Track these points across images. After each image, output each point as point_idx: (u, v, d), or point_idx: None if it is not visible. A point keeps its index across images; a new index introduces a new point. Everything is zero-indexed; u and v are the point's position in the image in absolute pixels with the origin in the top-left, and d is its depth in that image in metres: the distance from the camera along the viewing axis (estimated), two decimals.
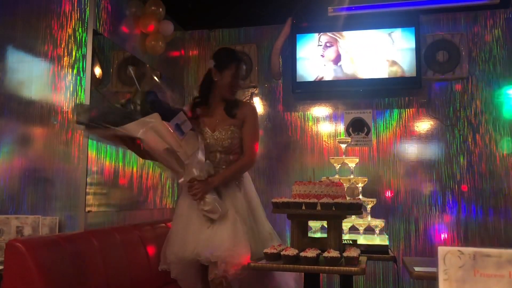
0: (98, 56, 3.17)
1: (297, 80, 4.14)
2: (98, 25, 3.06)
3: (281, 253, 2.34)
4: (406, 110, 4.11)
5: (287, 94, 4.30)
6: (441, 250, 0.88)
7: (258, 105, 4.41)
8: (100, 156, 3.14)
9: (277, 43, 4.14)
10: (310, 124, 4.29)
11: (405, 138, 4.08)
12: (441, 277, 0.86)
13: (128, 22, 3.51)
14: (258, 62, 4.35)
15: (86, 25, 2.90)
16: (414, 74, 3.93)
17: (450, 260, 0.87)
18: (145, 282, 3.03)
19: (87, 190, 2.89)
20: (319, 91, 4.19)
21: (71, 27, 2.91)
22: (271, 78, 4.32)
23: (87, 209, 2.89)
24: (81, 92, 2.85)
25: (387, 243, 3.00)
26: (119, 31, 3.40)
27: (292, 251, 2.32)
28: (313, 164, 4.18)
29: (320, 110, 4.30)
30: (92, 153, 3.00)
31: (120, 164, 3.39)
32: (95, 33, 3.00)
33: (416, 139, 4.06)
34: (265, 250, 2.45)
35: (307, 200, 2.48)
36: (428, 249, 3.89)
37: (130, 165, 3.52)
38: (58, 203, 2.79)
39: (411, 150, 4.06)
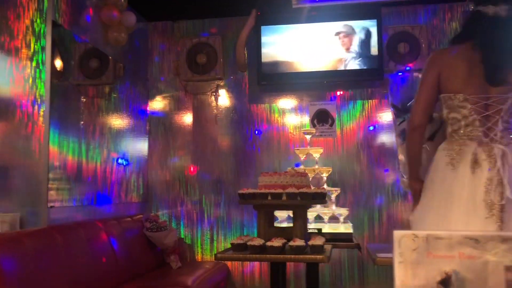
0: (59, 48, 3.09)
1: (263, 72, 4.15)
2: (57, 16, 2.97)
3: (248, 243, 2.37)
4: (369, 101, 4.20)
5: (253, 86, 4.32)
6: (397, 234, 0.92)
7: (224, 97, 4.40)
8: (62, 150, 3.07)
9: (242, 35, 4.13)
10: (276, 115, 4.32)
11: (368, 129, 4.17)
12: (396, 260, 0.90)
13: (89, 13, 3.43)
14: (223, 54, 4.34)
15: (44, 16, 2.81)
16: (376, 65, 4.01)
17: (405, 243, 0.91)
18: (112, 277, 3.00)
19: (49, 185, 2.82)
20: (284, 83, 4.22)
21: (28, 18, 2.81)
22: (237, 70, 4.32)
23: (50, 204, 2.83)
24: (41, 85, 2.77)
25: (351, 231, 3.08)
26: (80, 22, 3.32)
27: (258, 241, 2.35)
28: (279, 155, 4.23)
29: (285, 102, 4.33)
30: (54, 148, 2.93)
31: (84, 158, 3.33)
32: (55, 24, 2.91)
33: (378, 129, 4.15)
34: (232, 241, 2.48)
35: (272, 191, 2.52)
36: (391, 236, 3.99)
37: (93, 159, 3.46)
38: (19, 199, 2.72)
39: (374, 140, 4.16)
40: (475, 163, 1.79)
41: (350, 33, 4.08)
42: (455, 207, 1.78)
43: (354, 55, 4.06)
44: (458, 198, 1.79)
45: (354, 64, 4.06)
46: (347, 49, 4.07)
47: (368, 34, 4.05)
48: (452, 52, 1.98)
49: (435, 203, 1.86)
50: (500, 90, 1.82)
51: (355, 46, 4.07)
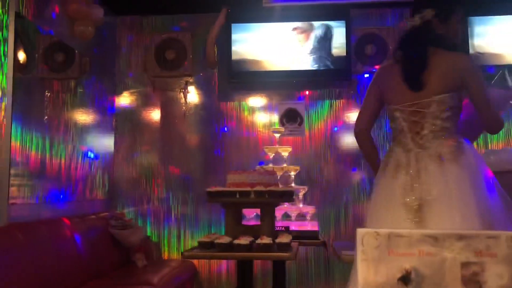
0: (22, 40, 3.00)
1: (233, 70, 4.15)
2: (21, 7, 2.88)
3: (215, 241, 2.37)
4: (337, 101, 4.26)
5: (223, 84, 4.30)
6: (360, 232, 0.94)
7: (193, 94, 4.37)
8: (25, 145, 2.98)
9: (212, 32, 4.12)
10: (245, 114, 4.32)
11: (336, 128, 4.23)
12: (359, 257, 0.92)
13: (55, 5, 3.33)
14: (193, 50, 4.30)
15: (7, 6, 2.72)
16: (344, 66, 4.07)
17: (368, 241, 0.94)
18: (76, 275, 2.94)
19: (11, 181, 2.74)
20: (254, 81, 4.23)
21: None
22: (206, 67, 4.30)
23: (11, 201, 2.74)
24: (2, 78, 2.68)
25: (317, 229, 3.13)
26: (45, 14, 3.23)
27: (225, 239, 2.36)
28: (248, 154, 4.23)
29: (255, 100, 4.34)
30: (16, 143, 2.84)
31: (47, 154, 3.24)
32: (18, 15, 2.82)
33: (345, 129, 4.21)
34: (199, 239, 2.48)
35: (241, 189, 2.52)
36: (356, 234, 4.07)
37: (58, 155, 3.37)
38: None
39: (341, 139, 4.22)
40: (397, 167, 1.92)
41: (307, 30, 4.12)
42: (381, 210, 1.93)
43: (310, 51, 4.10)
44: (384, 201, 1.94)
45: (312, 61, 4.10)
46: (304, 45, 4.11)
47: (329, 32, 4.10)
48: (389, 66, 2.15)
49: (371, 206, 2.02)
50: (422, 95, 1.92)
51: (313, 42, 4.10)
